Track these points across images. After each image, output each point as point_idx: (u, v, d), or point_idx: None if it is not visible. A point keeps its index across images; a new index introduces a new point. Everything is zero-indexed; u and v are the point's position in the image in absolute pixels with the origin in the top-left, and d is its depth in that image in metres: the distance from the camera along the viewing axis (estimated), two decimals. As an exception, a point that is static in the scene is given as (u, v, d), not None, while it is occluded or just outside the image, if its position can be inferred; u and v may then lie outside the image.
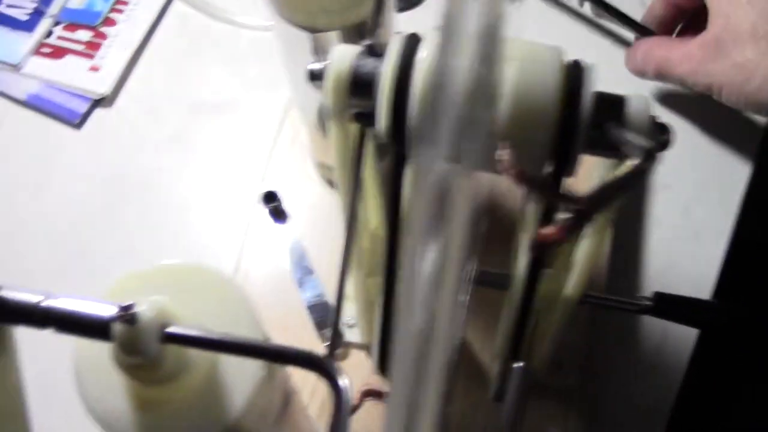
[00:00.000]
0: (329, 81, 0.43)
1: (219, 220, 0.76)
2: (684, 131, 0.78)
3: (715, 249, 0.72)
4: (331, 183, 0.76)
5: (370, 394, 0.52)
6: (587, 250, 0.51)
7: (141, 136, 0.82)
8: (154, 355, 0.36)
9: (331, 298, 0.70)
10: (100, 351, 0.40)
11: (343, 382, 0.35)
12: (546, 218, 0.42)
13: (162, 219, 0.77)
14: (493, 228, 0.70)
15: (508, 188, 0.74)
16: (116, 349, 0.36)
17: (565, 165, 0.41)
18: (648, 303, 0.60)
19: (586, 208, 0.33)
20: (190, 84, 0.85)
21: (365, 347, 0.67)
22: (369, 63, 0.43)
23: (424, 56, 0.41)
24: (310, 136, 0.72)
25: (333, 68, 0.43)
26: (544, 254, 0.42)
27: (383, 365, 0.57)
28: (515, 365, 0.36)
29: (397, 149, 0.43)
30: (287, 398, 0.48)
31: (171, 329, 0.36)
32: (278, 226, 0.74)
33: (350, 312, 0.66)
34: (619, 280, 0.71)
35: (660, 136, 0.41)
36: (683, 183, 0.75)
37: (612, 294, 0.62)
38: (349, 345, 0.67)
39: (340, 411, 0.34)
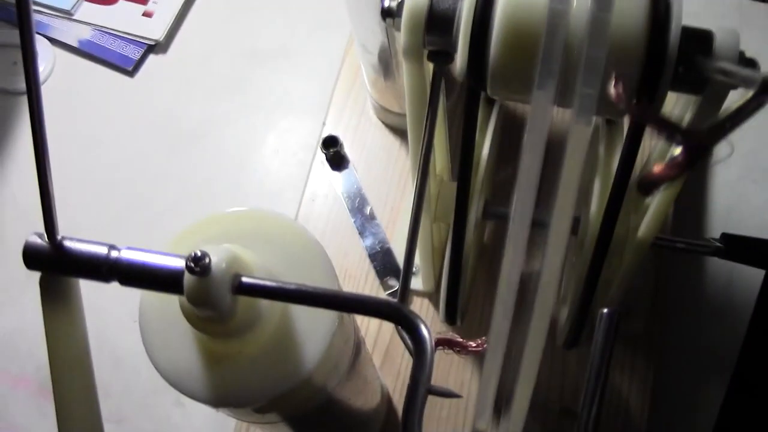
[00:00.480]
0: (406, 17, 0.41)
1: (278, 166, 0.75)
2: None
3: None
4: (391, 127, 0.74)
5: (442, 342, 0.50)
6: (664, 192, 0.49)
7: (196, 84, 0.81)
8: (227, 307, 0.35)
9: (392, 245, 0.68)
10: (167, 304, 0.39)
11: (424, 331, 0.33)
12: (632, 151, 0.40)
13: (218, 167, 0.76)
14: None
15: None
16: (186, 302, 0.35)
17: (653, 101, 0.39)
18: (718, 245, 0.57)
19: (703, 143, 0.31)
20: (244, 30, 0.83)
21: (428, 295, 0.66)
22: (447, -1, 0.41)
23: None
24: (370, 80, 0.70)
25: (409, 3, 0.41)
26: (650, 192, 0.40)
27: (451, 315, 0.56)
28: (604, 309, 0.34)
29: (475, 88, 0.41)
30: (358, 348, 0.46)
31: (244, 280, 0.35)
32: (339, 171, 0.72)
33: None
34: (685, 222, 0.69)
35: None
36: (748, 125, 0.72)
37: (680, 236, 0.60)
38: (413, 293, 0.66)
39: (422, 359, 0.32)
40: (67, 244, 0.36)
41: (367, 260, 0.68)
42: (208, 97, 0.80)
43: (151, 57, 0.82)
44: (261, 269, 0.37)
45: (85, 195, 0.75)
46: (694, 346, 0.65)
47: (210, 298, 0.34)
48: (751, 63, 0.40)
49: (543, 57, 0.24)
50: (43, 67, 0.81)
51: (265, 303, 0.37)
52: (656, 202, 0.50)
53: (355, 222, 0.69)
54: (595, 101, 0.23)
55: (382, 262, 0.68)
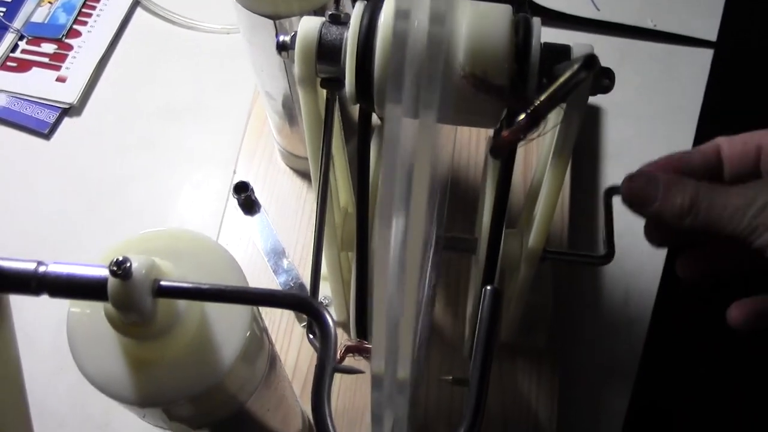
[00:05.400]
0: (298, 48, 0.46)
1: (194, 216, 0.78)
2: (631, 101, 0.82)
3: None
4: (298, 172, 0.78)
5: (352, 350, 0.54)
6: (544, 203, 0.54)
7: (111, 143, 0.84)
8: (148, 309, 0.38)
9: (305, 280, 0.72)
10: (92, 313, 0.42)
11: (327, 317, 0.37)
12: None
13: (136, 222, 0.79)
14: (456, 202, 0.73)
15: (467, 164, 0.77)
16: (111, 308, 0.38)
17: (520, 111, 0.44)
18: (602, 254, 0.62)
19: (538, 108, 0.37)
20: (155, 89, 0.87)
21: (342, 324, 0.69)
22: (334, 30, 0.46)
23: (383, 20, 0.44)
24: (276, 127, 0.75)
25: (301, 37, 0.46)
26: (508, 159, 0.45)
27: (362, 331, 0.60)
28: (487, 287, 0.38)
29: (364, 109, 0.46)
30: (273, 361, 0.50)
31: (163, 283, 0.38)
32: (251, 215, 0.76)
33: (325, 291, 0.68)
34: (580, 240, 0.75)
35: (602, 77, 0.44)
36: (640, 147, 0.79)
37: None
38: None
39: (327, 342, 0.36)
40: (-3, 262, 0.39)
41: (282, 297, 0.71)
42: (124, 155, 0.83)
43: (66, 120, 0.85)
44: (177, 276, 0.40)
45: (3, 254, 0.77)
46: (597, 356, 0.70)
47: (132, 300, 0.37)
48: (606, 72, 0.46)
49: (392, 71, 0.29)
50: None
51: (183, 306, 0.41)
52: (539, 215, 0.55)
53: (269, 261, 0.73)
54: (436, 99, 0.27)
55: (297, 297, 0.71)
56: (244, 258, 0.74)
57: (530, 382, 0.67)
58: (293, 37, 0.47)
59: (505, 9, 0.44)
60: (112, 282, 0.37)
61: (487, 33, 0.42)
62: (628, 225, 0.75)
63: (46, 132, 0.84)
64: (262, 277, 0.73)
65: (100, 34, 0.90)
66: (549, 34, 0.48)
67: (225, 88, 0.86)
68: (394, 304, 0.28)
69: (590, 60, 0.38)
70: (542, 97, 0.38)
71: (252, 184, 0.76)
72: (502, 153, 0.44)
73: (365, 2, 0.46)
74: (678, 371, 0.71)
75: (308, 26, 0.47)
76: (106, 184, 0.81)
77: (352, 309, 0.59)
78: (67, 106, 0.85)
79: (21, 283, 0.39)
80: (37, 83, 0.86)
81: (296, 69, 0.47)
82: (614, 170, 0.80)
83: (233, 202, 0.76)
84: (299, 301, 0.38)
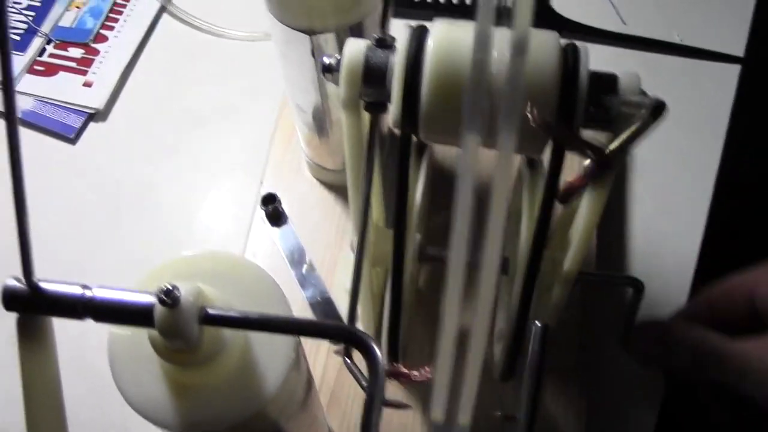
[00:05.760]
0: (344, 72, 0.46)
1: (219, 224, 0.78)
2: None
3: (695, 226, 0.76)
4: (325, 183, 0.78)
5: (388, 374, 0.54)
6: (582, 227, 0.54)
7: (136, 149, 0.84)
8: (194, 337, 0.38)
9: (332, 294, 0.72)
10: (135, 338, 0.42)
11: (376, 349, 0.37)
12: (554, 175, 0.45)
13: (161, 229, 0.79)
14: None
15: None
16: (156, 334, 0.38)
17: (567, 144, 0.44)
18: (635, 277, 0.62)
19: (608, 157, 0.36)
20: (182, 95, 0.87)
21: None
22: (380, 54, 0.46)
23: (432, 46, 0.44)
24: (305, 139, 0.74)
25: (347, 60, 0.46)
26: (568, 201, 0.45)
27: (394, 353, 0.59)
28: (536, 322, 0.38)
29: (408, 134, 0.46)
30: (309, 384, 0.50)
31: (209, 311, 0.38)
32: (278, 227, 0.75)
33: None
34: (608, 257, 0.74)
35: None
36: (658, 169, 0.79)
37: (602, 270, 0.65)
38: (354, 338, 0.69)
39: (376, 375, 0.36)
40: (43, 285, 0.39)
41: (309, 310, 0.71)
42: (149, 160, 0.83)
43: (92, 125, 0.85)
44: (222, 303, 0.40)
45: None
46: (623, 374, 0.70)
47: (179, 328, 0.37)
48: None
49: (468, 101, 0.28)
50: (-14, 137, 0.83)
51: (228, 333, 0.40)
52: (577, 238, 0.54)
53: (295, 274, 0.73)
54: (515, 132, 0.27)
55: (323, 311, 0.71)
56: (270, 270, 0.73)
57: (558, 401, 0.67)
58: (338, 60, 0.47)
59: (554, 37, 0.44)
60: (159, 310, 0.37)
61: (540, 64, 0.42)
62: (653, 246, 0.76)
63: (72, 137, 0.84)
64: (288, 290, 0.71)
65: (127, 39, 0.89)
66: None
67: (251, 95, 0.86)
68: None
69: (659, 108, 0.38)
70: (612, 147, 0.38)
71: (279, 194, 0.76)
72: (571, 199, 0.44)
73: (413, 27, 0.46)
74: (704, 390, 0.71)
75: (354, 49, 0.47)
76: (131, 189, 0.81)
77: (384, 330, 0.59)
78: (93, 111, 0.85)
79: (67, 308, 0.39)
80: (64, 87, 0.86)
81: (341, 92, 0.47)
82: (638, 186, 0.79)
83: (260, 212, 0.76)
84: (348, 335, 0.37)
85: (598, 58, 0.46)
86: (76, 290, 0.39)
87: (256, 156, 0.81)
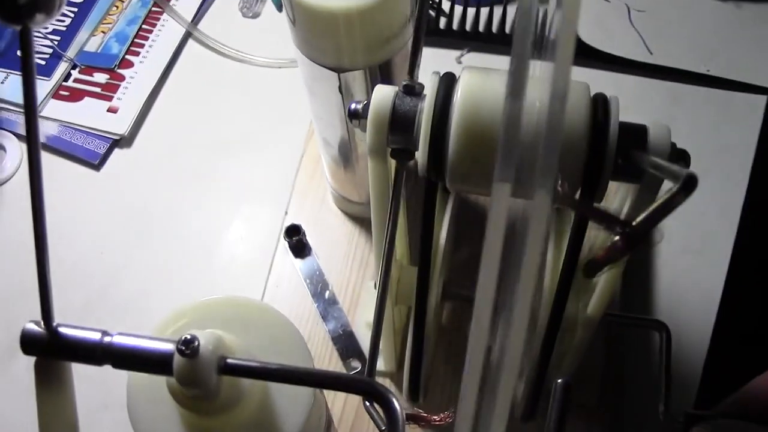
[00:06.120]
0: (371, 118, 0.45)
1: (243, 253, 0.78)
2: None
3: (719, 262, 0.75)
4: (350, 215, 0.78)
5: (408, 418, 0.53)
6: (610, 272, 0.53)
7: (161, 175, 0.84)
8: (213, 386, 0.37)
9: (354, 328, 0.71)
10: (153, 384, 0.41)
11: (395, 404, 0.36)
12: (578, 239, 0.44)
13: (185, 256, 0.78)
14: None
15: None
16: (174, 382, 0.38)
17: (596, 190, 0.43)
18: (660, 320, 0.62)
19: (638, 231, 0.36)
20: (207, 122, 0.87)
21: (390, 375, 0.69)
22: (408, 101, 0.46)
23: (460, 96, 0.43)
24: (331, 171, 0.74)
25: (374, 107, 0.45)
26: (594, 275, 0.44)
27: (414, 392, 0.59)
28: (558, 380, 0.37)
29: (434, 182, 0.45)
30: (329, 425, 0.49)
31: (229, 360, 0.38)
32: (301, 258, 0.75)
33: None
34: (633, 297, 0.74)
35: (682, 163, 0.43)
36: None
37: (627, 312, 0.64)
38: (376, 373, 0.69)
39: (395, 429, 0.35)
40: (63, 330, 0.39)
41: (330, 343, 0.71)
42: (173, 187, 0.83)
43: (117, 151, 0.85)
44: (242, 351, 0.40)
45: (55, 285, 0.77)
46: (646, 414, 0.69)
47: (198, 378, 0.37)
48: (682, 154, 0.45)
49: (502, 153, 0.28)
50: (11, 162, 0.84)
51: (247, 382, 0.40)
52: (602, 282, 0.54)
53: (317, 306, 0.72)
54: (551, 198, 0.26)
55: (345, 344, 0.71)
56: (293, 302, 0.73)
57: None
58: (366, 106, 0.46)
59: (585, 87, 0.44)
60: (178, 359, 0.37)
61: (570, 116, 0.41)
62: (675, 282, 0.75)
63: (96, 163, 0.84)
64: (310, 323, 0.72)
65: (152, 65, 0.89)
66: (600, 77, 0.47)
67: (277, 123, 0.86)
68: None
69: (690, 182, 0.37)
70: (639, 219, 0.38)
71: (303, 225, 0.76)
72: (596, 273, 0.44)
73: (439, 75, 0.46)
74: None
75: (382, 96, 0.46)
76: (155, 216, 0.81)
77: (406, 370, 0.59)
78: (117, 137, 0.85)
79: (86, 353, 0.39)
80: (89, 113, 0.86)
81: (368, 139, 0.46)
82: (666, 221, 0.78)
83: (283, 242, 0.76)
84: (367, 388, 0.37)
85: (624, 87, 0.46)
86: (96, 336, 0.39)
87: (281, 185, 0.80)
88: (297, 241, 0.75)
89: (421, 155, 0.44)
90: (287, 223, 0.76)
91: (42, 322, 0.39)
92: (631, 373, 0.70)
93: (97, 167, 0.84)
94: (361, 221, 0.77)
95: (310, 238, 0.76)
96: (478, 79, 0.45)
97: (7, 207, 0.82)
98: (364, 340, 0.70)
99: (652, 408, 0.67)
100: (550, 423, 0.38)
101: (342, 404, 0.68)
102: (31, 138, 0.37)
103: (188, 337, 0.36)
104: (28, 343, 0.39)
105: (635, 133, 0.44)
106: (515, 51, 0.30)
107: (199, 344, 0.36)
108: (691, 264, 0.75)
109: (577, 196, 0.43)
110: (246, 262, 0.77)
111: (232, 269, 0.77)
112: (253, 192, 0.82)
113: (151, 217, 0.81)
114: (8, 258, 0.79)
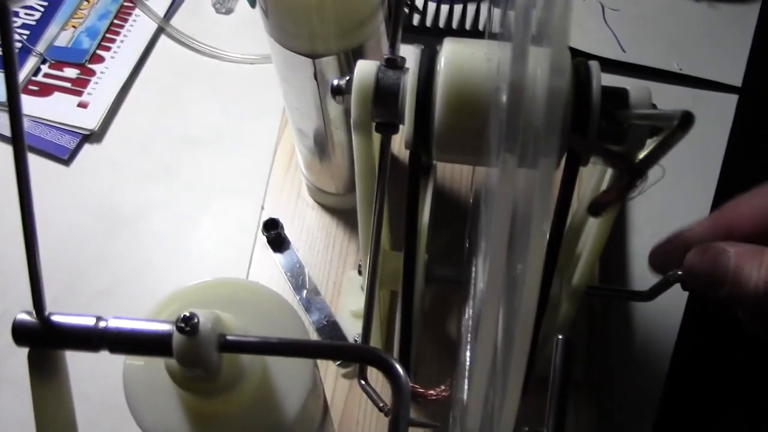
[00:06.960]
0: (355, 92, 0.45)
1: (221, 250, 0.77)
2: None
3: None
4: (327, 207, 0.78)
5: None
6: (593, 241, 0.53)
7: (132, 171, 0.83)
8: (214, 365, 0.37)
9: (338, 317, 0.71)
10: (151, 368, 0.41)
11: (399, 369, 0.36)
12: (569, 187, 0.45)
13: (157, 252, 0.78)
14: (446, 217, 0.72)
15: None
16: (173, 363, 0.37)
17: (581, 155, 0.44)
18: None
19: (639, 168, 0.39)
20: (178, 118, 0.86)
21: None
22: (391, 74, 0.46)
23: (444, 64, 0.44)
24: (306, 163, 0.74)
25: (357, 80, 0.46)
26: (599, 214, 0.44)
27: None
28: (559, 336, 0.37)
29: (419, 154, 0.45)
30: (326, 409, 0.49)
31: (228, 337, 0.37)
32: (280, 252, 0.75)
33: (359, 328, 0.68)
34: (611, 273, 0.75)
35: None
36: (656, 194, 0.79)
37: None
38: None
39: (401, 394, 0.35)
40: (56, 318, 0.38)
41: (315, 334, 0.70)
42: (145, 183, 0.82)
43: (87, 146, 0.84)
44: (240, 329, 0.39)
45: (22, 280, 0.76)
46: (628, 388, 0.69)
47: (199, 356, 0.36)
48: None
49: (507, 122, 0.28)
50: (-19, 161, 0.82)
51: (247, 361, 0.40)
52: (588, 253, 0.54)
53: (300, 299, 0.72)
54: (555, 167, 0.27)
55: (330, 334, 0.70)
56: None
57: (569, 415, 0.66)
58: (349, 81, 0.46)
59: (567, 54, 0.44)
60: (178, 338, 0.36)
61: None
62: (647, 278, 0.75)
63: (66, 158, 0.83)
64: None
65: (124, 60, 0.89)
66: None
67: (249, 118, 0.85)
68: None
69: (686, 118, 0.38)
70: (641, 156, 0.38)
71: (280, 219, 0.75)
72: (601, 212, 0.44)
73: (423, 48, 0.46)
74: (698, 405, 0.71)
75: (365, 70, 0.46)
76: (126, 212, 0.80)
77: (396, 352, 0.58)
78: (87, 132, 0.84)
79: (81, 340, 0.38)
80: (59, 108, 0.85)
81: (352, 113, 0.46)
82: (637, 211, 0.79)
83: (261, 237, 0.75)
84: (369, 356, 0.37)
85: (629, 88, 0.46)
86: (90, 321, 0.38)
87: (255, 178, 0.80)
88: (275, 235, 0.74)
89: (407, 127, 0.45)
90: (264, 218, 0.76)
91: (34, 312, 0.38)
92: (612, 348, 0.70)
93: (66, 162, 0.83)
94: (339, 212, 0.77)
95: (288, 232, 0.76)
96: (461, 47, 0.45)
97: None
98: (349, 329, 0.70)
99: (629, 382, 0.68)
100: (554, 384, 0.38)
101: (331, 393, 0.68)
102: (14, 117, 0.36)
103: (187, 314, 0.36)
104: (21, 333, 0.38)
105: (617, 95, 0.45)
106: (518, 19, 0.30)
107: (198, 321, 0.36)
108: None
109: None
110: (225, 258, 0.77)
111: (211, 265, 0.76)
112: (226, 187, 0.81)
113: (123, 213, 0.80)
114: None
